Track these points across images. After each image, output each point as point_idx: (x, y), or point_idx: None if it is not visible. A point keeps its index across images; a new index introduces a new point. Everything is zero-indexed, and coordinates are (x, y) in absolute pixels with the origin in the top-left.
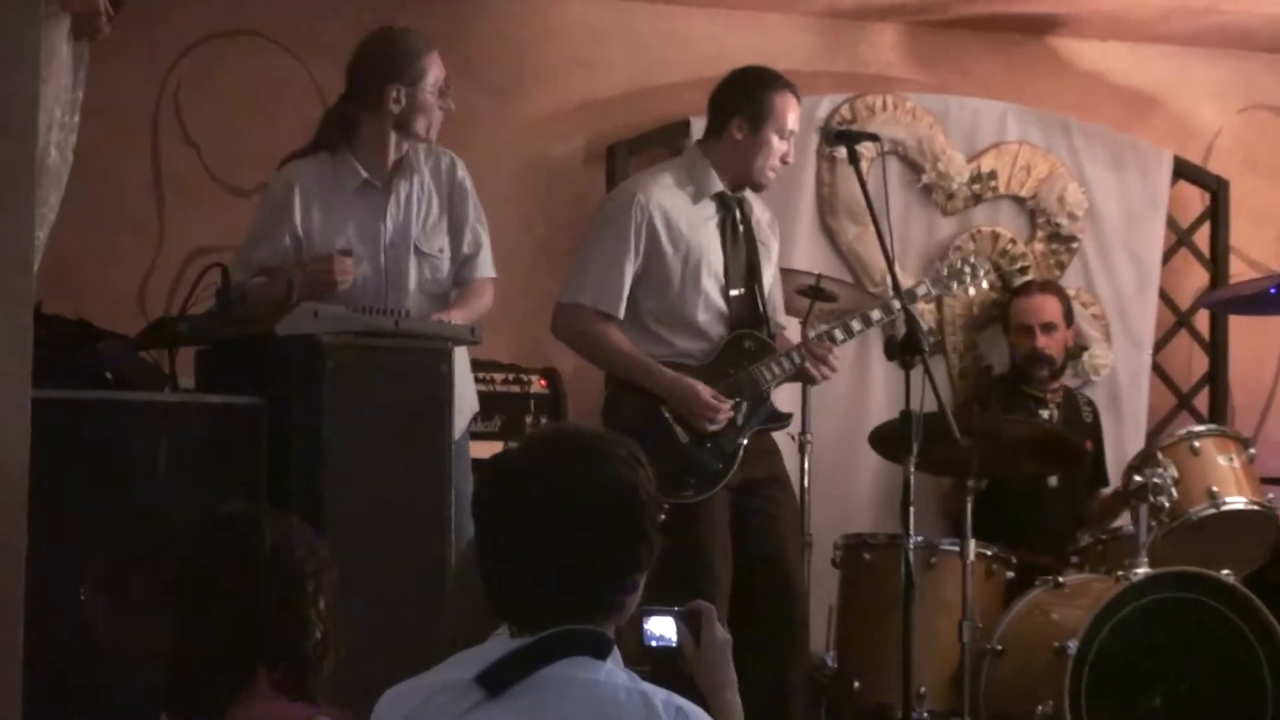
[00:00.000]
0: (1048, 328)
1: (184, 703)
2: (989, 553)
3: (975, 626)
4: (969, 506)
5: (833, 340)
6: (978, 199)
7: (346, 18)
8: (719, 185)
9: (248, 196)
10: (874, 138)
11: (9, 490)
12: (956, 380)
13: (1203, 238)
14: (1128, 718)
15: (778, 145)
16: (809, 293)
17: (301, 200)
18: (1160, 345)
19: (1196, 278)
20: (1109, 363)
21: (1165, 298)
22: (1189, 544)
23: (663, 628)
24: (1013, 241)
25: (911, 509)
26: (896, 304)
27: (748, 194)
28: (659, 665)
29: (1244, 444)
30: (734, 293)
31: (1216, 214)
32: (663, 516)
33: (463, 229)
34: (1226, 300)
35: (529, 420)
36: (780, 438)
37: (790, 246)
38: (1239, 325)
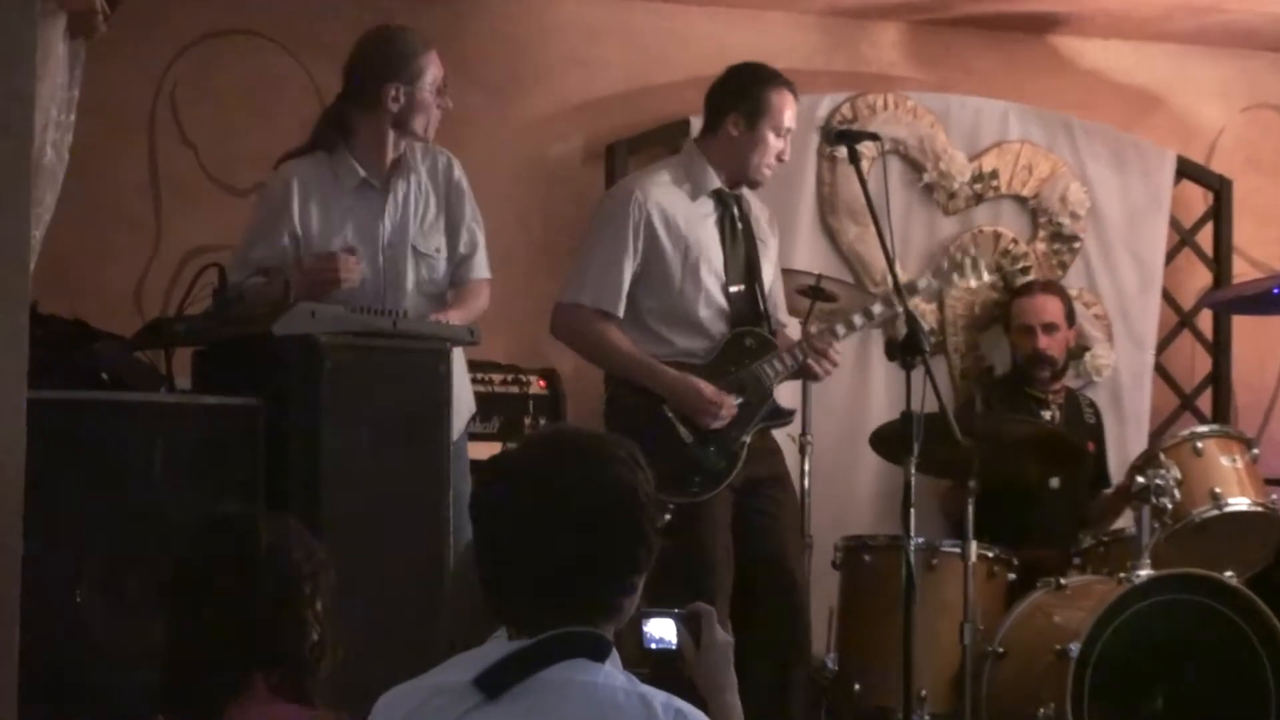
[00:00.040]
0: (1049, 328)
1: (180, 704)
2: (990, 554)
3: (976, 628)
4: (970, 508)
5: (834, 335)
6: (979, 198)
7: (344, 17)
8: (716, 182)
9: (245, 196)
10: (875, 137)
11: (5, 491)
12: (958, 381)
13: (1205, 237)
14: None
15: (774, 143)
16: (809, 293)
17: (300, 199)
18: (1163, 345)
19: (1199, 278)
20: (1111, 363)
21: (1168, 298)
22: (1192, 545)
23: (662, 630)
24: (1014, 241)
25: (912, 510)
26: (899, 305)
27: (745, 191)
28: (659, 668)
29: (1247, 445)
30: (734, 290)
31: (1219, 213)
32: (667, 517)
33: (459, 229)
34: (1229, 300)
35: (528, 421)
36: (781, 438)
37: (791, 246)
38: (1242, 325)
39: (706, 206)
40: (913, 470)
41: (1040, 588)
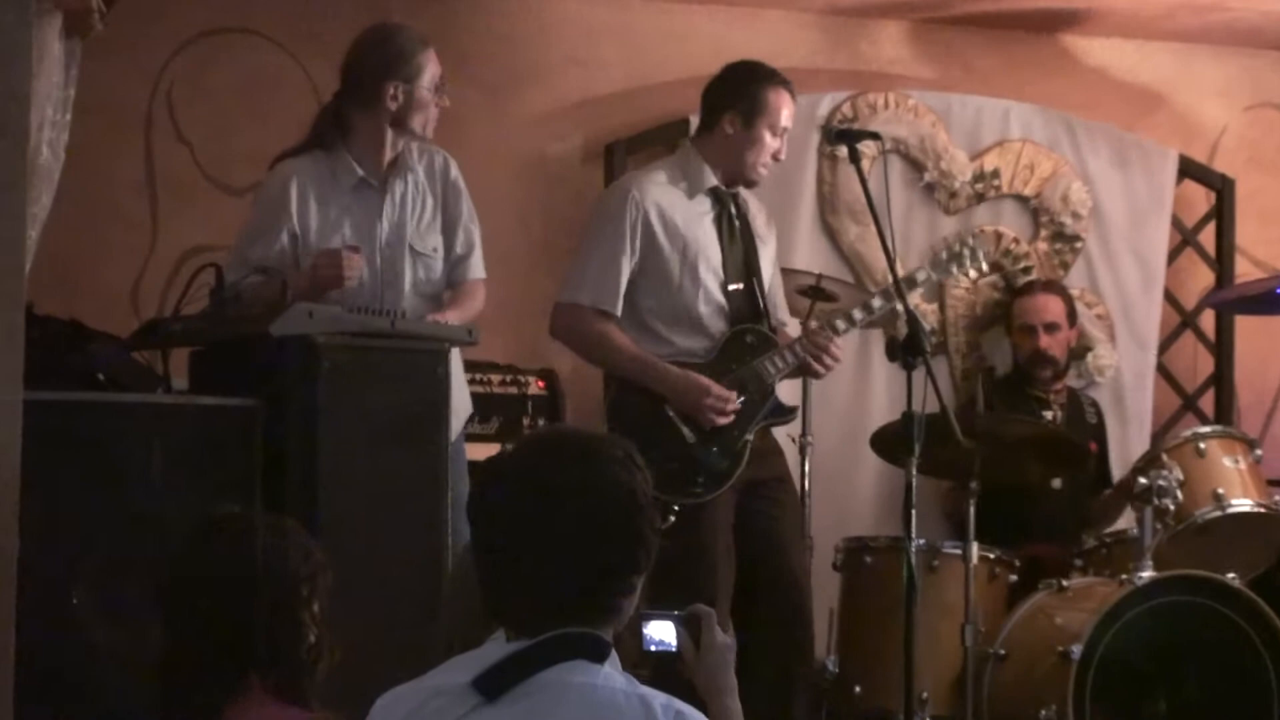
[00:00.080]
0: (1051, 328)
1: (177, 706)
2: (992, 556)
3: (978, 630)
4: (972, 509)
5: (834, 330)
6: (980, 198)
7: (342, 15)
8: (713, 180)
9: (242, 195)
10: (875, 136)
11: (1, 492)
12: (959, 381)
13: (1208, 237)
14: None
15: (770, 142)
16: (809, 293)
17: (298, 198)
18: (1165, 346)
19: (1202, 277)
20: (1113, 363)
21: (1170, 298)
22: (1194, 547)
23: (662, 632)
24: (1016, 241)
25: (914, 511)
26: (900, 306)
27: (742, 190)
28: (659, 670)
29: (1250, 445)
30: (733, 287)
31: (1222, 213)
32: (672, 519)
33: (456, 228)
34: (1232, 300)
35: (526, 422)
36: (781, 439)
37: (791, 246)
38: (1245, 325)
39: (704, 205)
40: (914, 471)
41: (1042, 589)
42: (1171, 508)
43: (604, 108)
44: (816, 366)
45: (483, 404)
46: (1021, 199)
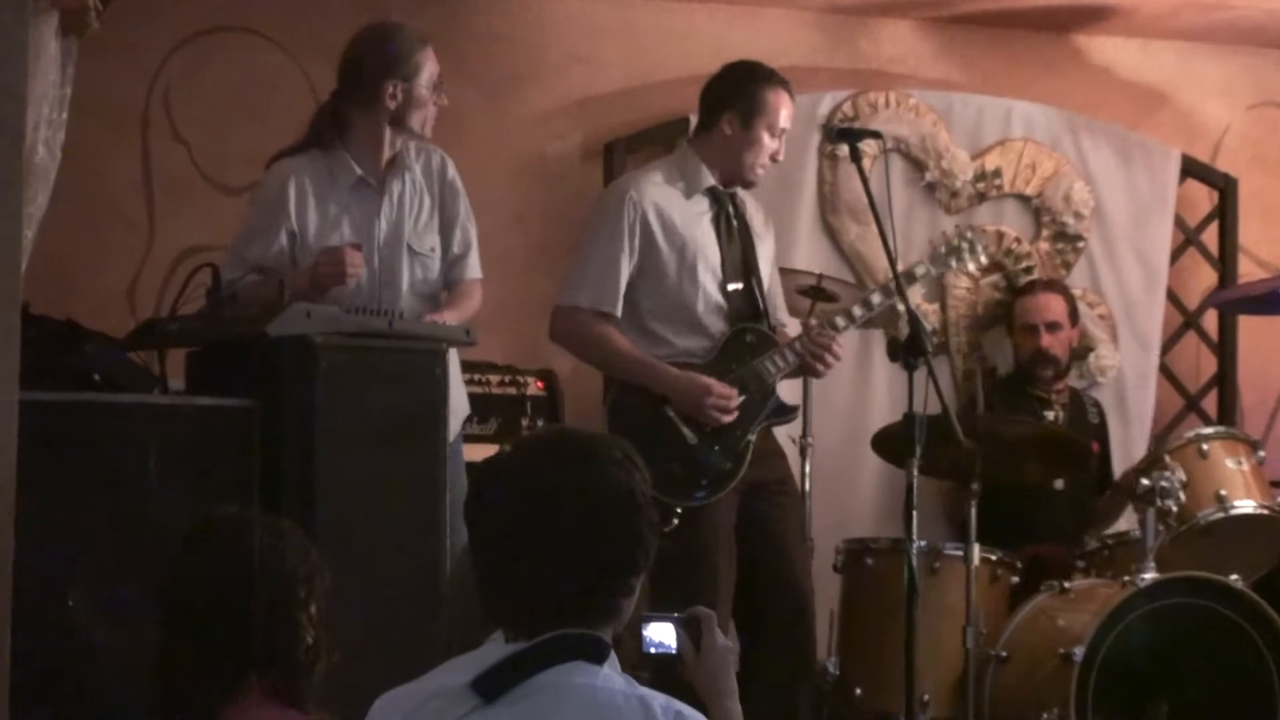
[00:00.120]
0: (1052, 327)
1: (175, 708)
2: (993, 557)
3: (979, 632)
4: (973, 510)
5: (834, 328)
6: (982, 197)
7: (339, 13)
8: (710, 180)
9: (239, 195)
10: (876, 135)
11: None
12: (960, 381)
13: (1211, 237)
14: None
15: (768, 143)
16: (810, 293)
17: (296, 196)
18: (1168, 346)
19: (1204, 277)
20: (1115, 364)
21: (1173, 298)
22: (1197, 548)
23: (662, 634)
24: (1018, 241)
25: (915, 513)
26: (901, 306)
27: (740, 190)
28: (659, 672)
29: (1253, 446)
30: (732, 287)
31: (1225, 212)
32: (675, 521)
33: (453, 228)
34: (1235, 300)
35: (525, 423)
36: (782, 440)
37: (791, 246)
38: (1248, 325)
39: (701, 205)
40: (915, 472)
41: (1044, 591)
42: (1174, 509)
43: (603, 106)
44: (817, 365)
45: (481, 404)
46: (1023, 198)
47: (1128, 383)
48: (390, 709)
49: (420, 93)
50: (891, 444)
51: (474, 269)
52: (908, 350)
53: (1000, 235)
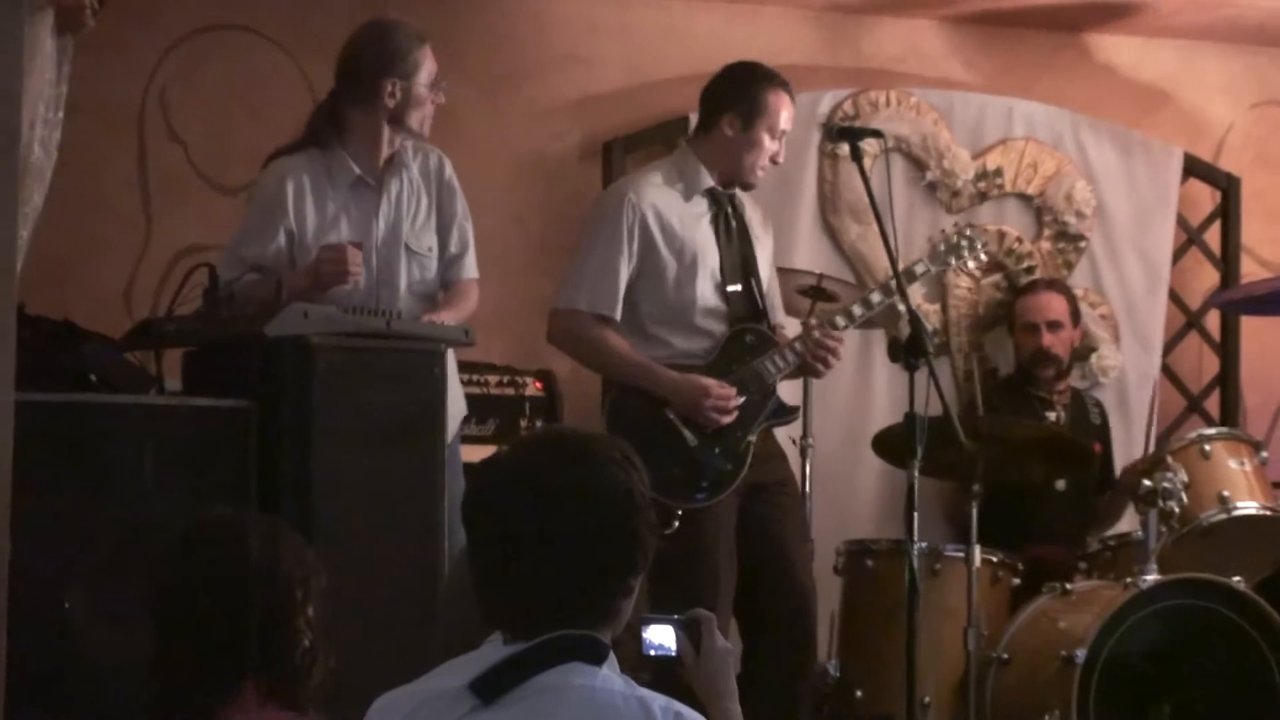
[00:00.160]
0: (1054, 325)
1: (170, 711)
2: (995, 559)
3: (981, 634)
4: (974, 511)
5: (834, 327)
6: (983, 197)
7: (337, 11)
8: (710, 181)
9: (236, 194)
10: (877, 134)
11: None
12: (961, 382)
13: (1213, 236)
14: None
15: (769, 144)
16: (810, 293)
17: (294, 195)
18: (1170, 346)
19: (1207, 277)
20: (1117, 364)
21: (1175, 298)
22: (1199, 550)
23: (662, 636)
24: (1019, 240)
25: (916, 514)
26: (902, 306)
27: (739, 192)
28: (658, 674)
29: (1256, 447)
30: (731, 289)
31: (1227, 212)
32: (676, 523)
33: (451, 228)
34: (1238, 300)
35: (524, 423)
36: (782, 441)
37: (791, 245)
38: (1251, 326)
39: (700, 206)
40: (916, 473)
41: (1045, 593)
42: (1176, 510)
43: (602, 105)
44: (817, 365)
45: (480, 405)
46: (1025, 198)
47: (1130, 383)
48: (388, 710)
49: (419, 91)
50: (892, 445)
51: (471, 269)
52: (908, 351)
53: (1001, 235)
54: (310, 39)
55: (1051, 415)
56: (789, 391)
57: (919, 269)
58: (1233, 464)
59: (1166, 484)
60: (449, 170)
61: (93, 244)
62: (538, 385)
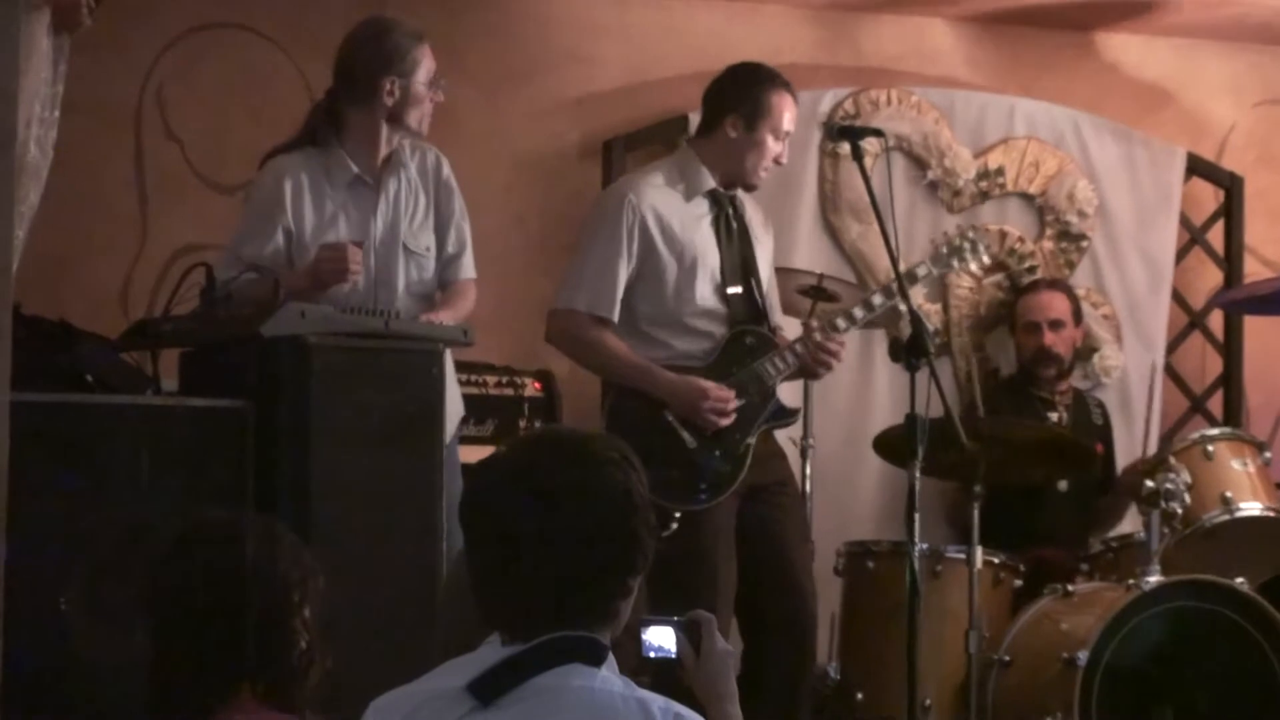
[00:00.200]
0: (1055, 324)
1: (166, 713)
2: (996, 560)
3: (982, 636)
4: (976, 513)
5: (835, 329)
6: (985, 196)
7: (334, 10)
8: (711, 183)
9: (233, 194)
10: (878, 133)
11: None
12: (963, 382)
13: (1216, 236)
14: None
15: (772, 146)
16: (810, 293)
17: (292, 194)
18: (1173, 346)
19: (1210, 277)
20: (1120, 364)
21: (1178, 298)
22: (1202, 551)
23: (662, 638)
24: (1021, 240)
25: (917, 515)
26: (903, 306)
27: (740, 192)
28: (658, 676)
29: (1259, 448)
30: (732, 291)
31: (1231, 211)
32: (674, 525)
33: (448, 227)
34: (1241, 300)
35: (523, 424)
36: (782, 442)
37: (792, 245)
38: (1254, 326)
39: (701, 207)
40: (917, 474)
41: (1047, 594)
42: (1179, 511)
43: (602, 104)
44: (818, 368)
45: (478, 406)
46: (1026, 197)
47: (1132, 384)
48: (387, 711)
49: (417, 89)
50: (893, 446)
51: (468, 269)
52: (909, 351)
53: (1003, 234)
54: (308, 37)
55: (1053, 416)
56: (789, 392)
57: (921, 271)
58: (1236, 465)
59: (1169, 485)
60: (446, 169)
61: (89, 243)
62: (536, 386)
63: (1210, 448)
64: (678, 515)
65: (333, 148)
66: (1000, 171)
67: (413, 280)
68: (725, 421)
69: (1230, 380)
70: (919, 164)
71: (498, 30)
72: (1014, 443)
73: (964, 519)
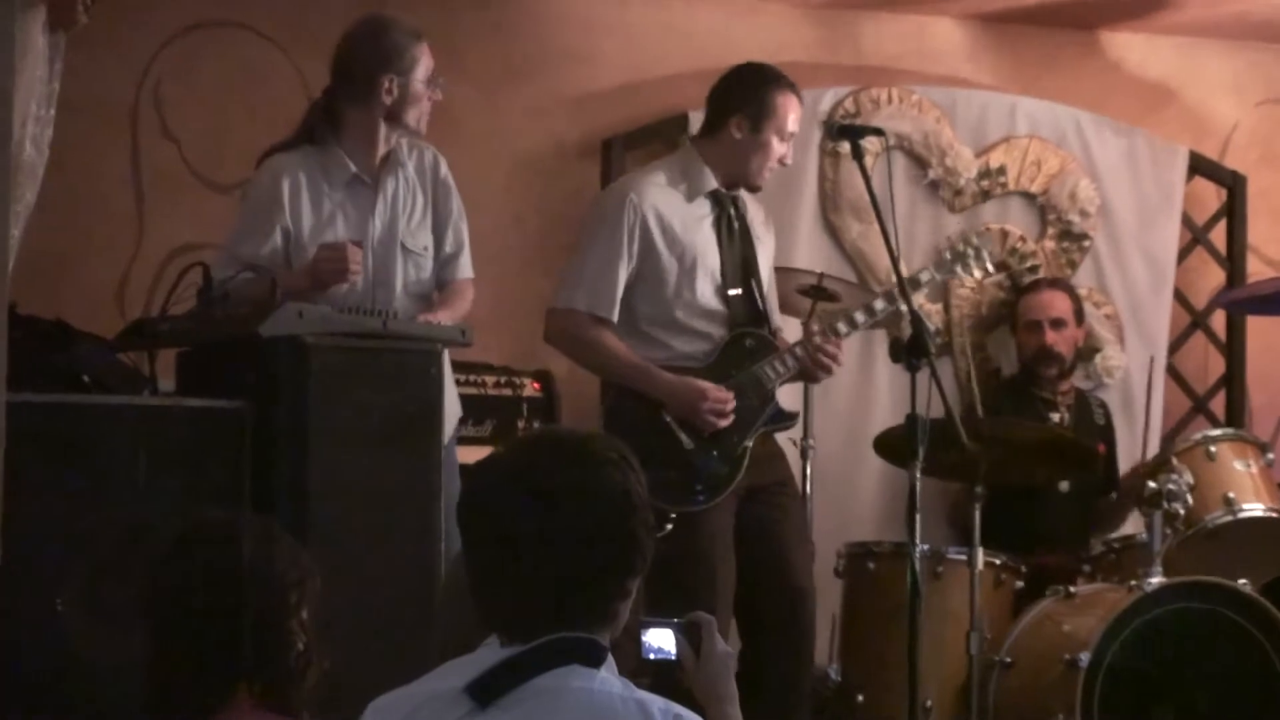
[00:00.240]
0: (1057, 323)
1: (163, 714)
2: (998, 561)
3: (984, 638)
4: (977, 514)
5: (836, 334)
6: (986, 195)
7: (332, 8)
8: (713, 183)
9: (229, 193)
10: (878, 132)
11: None
12: (964, 382)
13: (1219, 235)
14: None
15: (777, 147)
16: (811, 292)
17: (290, 193)
18: (1175, 346)
19: (1212, 277)
20: (1122, 364)
21: (1180, 298)
22: (1204, 552)
23: (662, 640)
24: (1022, 239)
25: (918, 516)
26: (904, 307)
27: (742, 192)
28: (658, 678)
29: (1261, 449)
30: (732, 292)
31: (1233, 211)
32: (669, 526)
33: (446, 227)
34: (1244, 300)
35: (521, 424)
36: (783, 442)
37: (792, 244)
38: (1256, 326)
39: (703, 208)
40: (918, 475)
41: (1049, 596)
42: (1181, 512)
43: (601, 102)
44: (817, 371)
45: (477, 406)
46: (1028, 196)
47: (1134, 384)
48: (385, 712)
49: (416, 88)
50: (894, 446)
51: (466, 268)
52: (910, 351)
53: (1005, 234)
54: (305, 35)
55: (1055, 416)
56: (789, 394)
57: (924, 277)
58: (1238, 465)
59: (1171, 486)
60: (444, 168)
61: (86, 242)
62: (535, 386)
63: (1213, 448)
64: (673, 516)
65: (330, 146)
66: (1002, 170)
67: (411, 280)
68: (723, 423)
69: (1233, 381)
70: (920, 163)
71: (496, 28)
72: (1015, 443)
73: (965, 520)
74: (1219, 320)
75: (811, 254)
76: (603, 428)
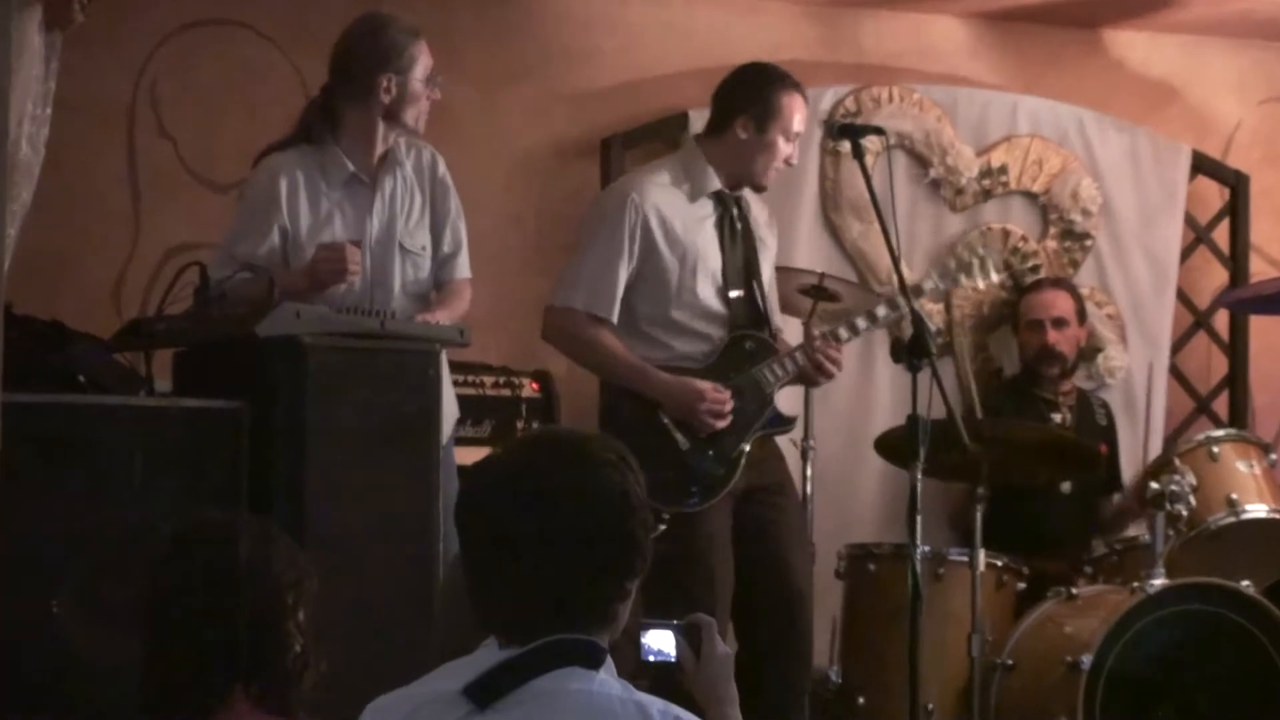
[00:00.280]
0: (1059, 323)
1: (163, 715)
2: (999, 563)
3: (985, 640)
4: (978, 515)
5: (837, 339)
6: (987, 194)
7: (330, 6)
8: (716, 183)
9: (226, 192)
10: (879, 131)
11: None
12: (965, 383)
13: (1222, 235)
14: None
15: (783, 147)
16: (811, 292)
17: (288, 192)
18: (1178, 346)
19: (1215, 276)
20: (1124, 364)
21: (1183, 297)
22: (1207, 554)
23: (661, 642)
24: (1024, 239)
25: (919, 517)
26: (904, 304)
27: (745, 192)
28: (658, 680)
29: (1264, 449)
30: (733, 294)
31: (1236, 210)
32: (662, 526)
33: (444, 227)
34: (1247, 300)
35: (520, 425)
36: (783, 443)
37: (792, 244)
38: (1259, 325)
39: (706, 208)
40: (919, 476)
41: (1051, 598)
42: (1184, 513)
43: (601, 102)
44: (817, 375)
45: (475, 406)
46: (1030, 195)
47: (1136, 384)
48: (384, 713)
49: (414, 86)
50: (895, 447)
51: (464, 268)
52: (911, 351)
53: (1006, 233)
54: (303, 34)
55: (1057, 416)
56: (790, 393)
57: (927, 285)
58: (1241, 466)
59: (1174, 487)
60: (442, 167)
61: (82, 242)
62: (534, 386)
63: (1215, 449)
64: (666, 516)
65: (328, 145)
66: (1003, 170)
67: (409, 280)
68: (721, 424)
69: (1236, 381)
70: (921, 162)
71: (495, 27)
72: (1017, 444)
73: (966, 521)
74: (1222, 320)
75: (812, 253)
76: (599, 427)
